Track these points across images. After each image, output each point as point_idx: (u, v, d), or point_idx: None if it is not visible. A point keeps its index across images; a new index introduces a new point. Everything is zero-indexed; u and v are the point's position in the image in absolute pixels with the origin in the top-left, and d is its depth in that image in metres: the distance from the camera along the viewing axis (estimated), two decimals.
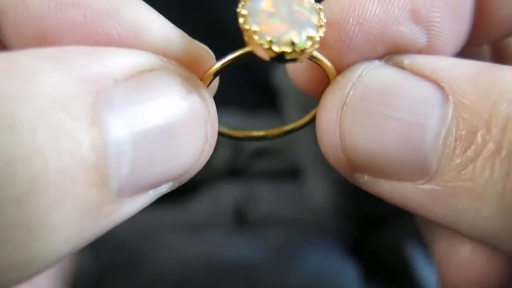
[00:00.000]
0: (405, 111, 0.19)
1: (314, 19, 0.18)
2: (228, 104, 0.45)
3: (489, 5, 0.21)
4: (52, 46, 0.16)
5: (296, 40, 0.17)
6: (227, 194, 0.47)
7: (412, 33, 0.20)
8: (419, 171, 0.19)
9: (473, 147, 0.18)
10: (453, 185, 0.18)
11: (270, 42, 0.17)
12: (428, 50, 0.21)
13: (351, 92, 0.19)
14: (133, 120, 0.16)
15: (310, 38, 0.17)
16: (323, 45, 0.19)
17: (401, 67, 0.20)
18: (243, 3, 0.18)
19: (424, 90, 0.19)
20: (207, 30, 0.53)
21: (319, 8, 0.18)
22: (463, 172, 0.18)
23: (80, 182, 0.15)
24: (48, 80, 0.15)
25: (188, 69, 0.19)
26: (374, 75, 0.20)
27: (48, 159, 0.14)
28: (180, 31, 0.20)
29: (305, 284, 0.43)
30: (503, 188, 0.17)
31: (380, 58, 0.21)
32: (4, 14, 0.19)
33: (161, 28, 0.19)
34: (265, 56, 0.17)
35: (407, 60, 0.20)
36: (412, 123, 0.19)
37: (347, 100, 0.20)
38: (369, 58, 0.21)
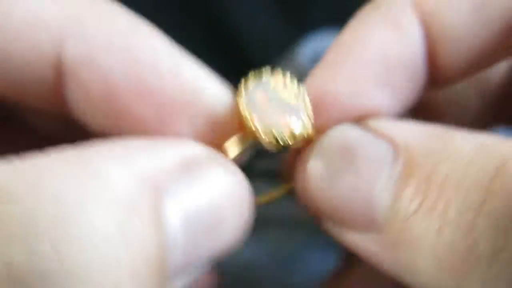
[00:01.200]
0: (359, 166, 0.21)
1: (302, 111, 0.21)
2: None
3: (440, 57, 0.24)
4: (116, 142, 0.18)
5: (296, 133, 0.21)
6: None
7: (378, 99, 0.23)
8: (370, 222, 0.20)
9: (414, 202, 0.19)
10: (396, 237, 0.19)
11: (275, 138, 0.20)
12: (393, 107, 0.24)
13: (315, 148, 0.22)
14: (187, 211, 0.18)
15: (304, 130, 0.21)
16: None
17: (364, 127, 0.22)
18: (241, 93, 0.20)
19: (379, 148, 0.21)
20: (207, 30, 0.53)
21: (305, 94, 0.22)
22: (404, 225, 0.19)
23: (143, 274, 0.16)
24: (119, 185, 0.16)
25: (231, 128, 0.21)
26: (337, 133, 0.22)
27: (123, 266, 0.16)
28: (229, 91, 0.22)
29: (306, 284, 0.43)
30: (436, 242, 0.18)
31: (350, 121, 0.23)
32: (72, 71, 0.20)
33: (214, 90, 0.21)
34: (272, 148, 0.21)
35: (370, 121, 0.22)
36: (364, 177, 0.21)
37: (312, 155, 0.22)
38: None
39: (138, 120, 0.21)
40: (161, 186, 0.17)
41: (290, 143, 0.21)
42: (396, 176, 0.20)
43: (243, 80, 0.21)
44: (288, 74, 0.22)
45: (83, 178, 0.16)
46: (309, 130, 0.21)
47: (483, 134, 0.20)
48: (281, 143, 0.20)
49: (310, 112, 0.22)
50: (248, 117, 0.20)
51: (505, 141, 0.19)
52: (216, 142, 0.21)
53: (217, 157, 0.20)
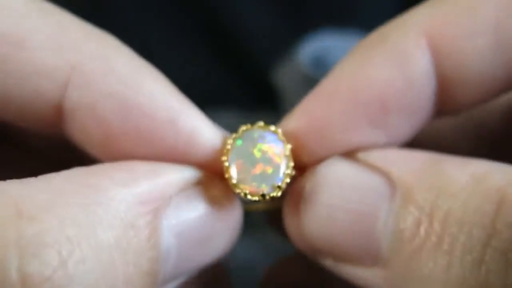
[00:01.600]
0: (356, 202, 0.21)
1: (282, 167, 0.22)
2: (228, 103, 0.46)
3: (450, 95, 0.22)
4: (122, 165, 0.20)
5: (265, 192, 0.21)
6: None
7: (371, 136, 0.22)
8: (373, 257, 0.20)
9: (417, 239, 0.19)
10: (403, 272, 0.19)
11: (245, 194, 0.21)
12: (388, 142, 0.23)
13: (308, 186, 0.22)
14: (180, 228, 0.20)
15: (277, 188, 0.21)
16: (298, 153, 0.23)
17: (356, 161, 0.22)
18: (225, 156, 0.22)
19: (374, 183, 0.21)
20: (207, 30, 0.53)
21: (289, 155, 0.22)
22: (410, 262, 0.19)
23: (136, 285, 0.18)
24: (122, 206, 0.18)
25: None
26: (329, 169, 0.22)
27: (118, 273, 0.18)
28: (226, 135, 0.22)
29: None
30: (446, 279, 0.18)
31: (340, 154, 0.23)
32: (72, 115, 0.21)
33: (210, 135, 0.22)
34: (245, 199, 0.22)
35: (361, 154, 0.22)
36: (363, 213, 0.20)
37: (305, 193, 0.22)
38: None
39: (134, 156, 0.22)
40: (159, 207, 0.19)
41: (258, 200, 0.22)
42: (395, 211, 0.20)
43: (233, 134, 0.22)
44: (278, 129, 0.22)
45: (91, 200, 0.18)
46: (279, 192, 0.22)
47: (474, 161, 0.20)
48: (249, 198, 0.21)
49: (290, 171, 0.22)
50: (227, 173, 0.22)
51: (496, 169, 0.19)
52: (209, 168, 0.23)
53: (211, 181, 0.22)
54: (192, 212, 0.21)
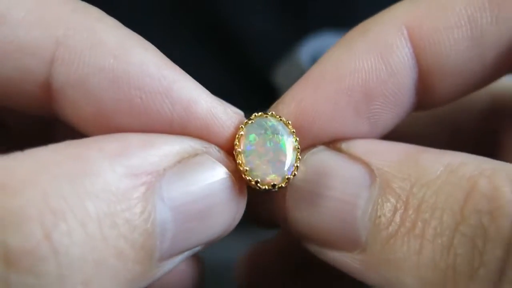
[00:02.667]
0: (338, 190, 0.22)
1: (292, 158, 0.22)
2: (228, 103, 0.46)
3: (430, 85, 0.23)
4: (113, 137, 0.19)
5: (276, 183, 0.21)
6: None
7: (355, 124, 0.23)
8: (352, 243, 0.21)
9: (393, 224, 0.20)
10: (380, 256, 0.20)
11: (256, 182, 0.21)
12: (372, 131, 0.24)
13: (294, 174, 0.22)
14: (176, 202, 0.19)
15: (286, 179, 0.22)
16: None
17: (339, 151, 0.23)
18: (237, 141, 0.21)
19: (355, 172, 0.22)
20: (208, 30, 0.53)
21: (298, 148, 0.22)
22: (386, 246, 0.20)
23: (129, 260, 0.18)
24: (113, 178, 0.18)
25: (227, 135, 0.22)
26: (314, 159, 0.23)
27: (108, 247, 0.17)
28: (223, 104, 0.22)
29: None
30: (418, 261, 0.19)
31: (326, 143, 0.24)
32: (62, 92, 0.20)
33: (207, 104, 0.21)
34: (255, 187, 0.22)
35: (344, 144, 0.23)
36: (344, 201, 0.21)
37: (290, 182, 0.22)
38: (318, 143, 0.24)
39: (129, 132, 0.21)
40: (152, 180, 0.19)
41: (270, 188, 0.22)
42: (373, 199, 0.21)
43: (245, 121, 0.22)
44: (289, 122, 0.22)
45: (78, 171, 0.17)
46: (287, 183, 0.22)
47: (450, 153, 0.21)
48: (260, 187, 0.21)
49: (298, 163, 0.22)
50: (239, 159, 0.21)
51: (470, 160, 0.20)
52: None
53: (210, 151, 0.21)
54: (189, 184, 0.20)
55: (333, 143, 0.23)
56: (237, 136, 0.21)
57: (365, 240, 0.21)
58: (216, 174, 0.20)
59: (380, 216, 0.20)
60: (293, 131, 0.22)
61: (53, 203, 0.16)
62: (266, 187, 0.21)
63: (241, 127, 0.21)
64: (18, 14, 0.19)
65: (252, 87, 0.51)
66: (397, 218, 0.20)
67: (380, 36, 0.22)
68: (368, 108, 0.23)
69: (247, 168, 0.21)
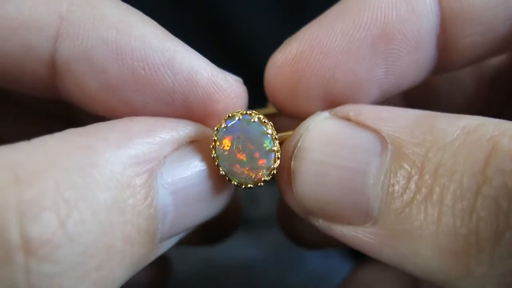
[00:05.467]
0: (347, 159, 0.20)
1: (269, 162, 0.21)
2: None
3: (452, 35, 0.23)
4: (116, 125, 0.20)
5: (251, 186, 0.22)
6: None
7: (372, 65, 0.22)
8: (363, 215, 0.20)
9: (408, 192, 0.19)
10: (393, 228, 0.19)
11: (239, 183, 0.21)
12: (388, 80, 0.23)
13: (299, 144, 0.21)
14: (176, 187, 0.20)
15: (262, 180, 0.21)
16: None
17: (346, 118, 0.21)
18: (214, 147, 0.21)
19: (365, 140, 0.20)
20: (207, 30, 0.53)
21: (278, 150, 0.21)
22: (401, 216, 0.19)
23: (135, 243, 0.19)
24: (118, 167, 0.18)
25: (228, 103, 0.22)
26: (319, 127, 0.22)
27: (117, 232, 0.18)
28: (224, 73, 0.22)
29: (304, 283, 0.43)
30: (436, 230, 0.18)
31: (330, 108, 0.22)
32: (67, 67, 0.21)
33: (208, 73, 0.21)
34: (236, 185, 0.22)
35: (352, 112, 0.21)
36: (354, 170, 0.20)
37: (296, 152, 0.21)
38: (325, 101, 0.23)
39: (134, 107, 0.21)
40: (154, 167, 0.19)
41: (251, 187, 0.22)
42: (385, 167, 0.19)
43: (224, 118, 0.22)
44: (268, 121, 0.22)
45: (85, 163, 0.18)
46: (269, 176, 0.22)
47: (467, 116, 0.19)
48: (243, 187, 0.22)
49: (278, 155, 0.21)
50: (221, 172, 0.21)
51: (488, 122, 0.19)
52: (209, 119, 0.22)
53: (207, 136, 0.22)
54: (188, 170, 0.21)
55: (339, 110, 0.22)
56: (213, 138, 0.21)
57: (378, 211, 0.19)
58: (210, 160, 0.21)
59: (393, 184, 0.19)
60: (264, 121, 0.21)
61: (66, 193, 0.17)
62: (243, 187, 0.22)
63: (216, 130, 0.21)
64: None
65: (251, 86, 0.51)
66: (412, 185, 0.19)
67: None
68: (386, 46, 0.22)
69: (223, 173, 0.21)
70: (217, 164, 0.21)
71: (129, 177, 0.18)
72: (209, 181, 0.21)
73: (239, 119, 0.21)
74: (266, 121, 0.21)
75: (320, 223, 0.22)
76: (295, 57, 0.22)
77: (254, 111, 0.21)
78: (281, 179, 0.22)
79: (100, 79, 0.20)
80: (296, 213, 0.23)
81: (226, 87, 0.22)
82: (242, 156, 0.21)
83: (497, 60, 0.28)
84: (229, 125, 0.21)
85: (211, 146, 0.21)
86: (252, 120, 0.21)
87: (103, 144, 0.18)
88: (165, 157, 0.20)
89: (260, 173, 0.21)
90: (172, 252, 0.41)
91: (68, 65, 0.20)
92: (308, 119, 0.22)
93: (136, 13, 0.21)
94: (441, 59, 0.23)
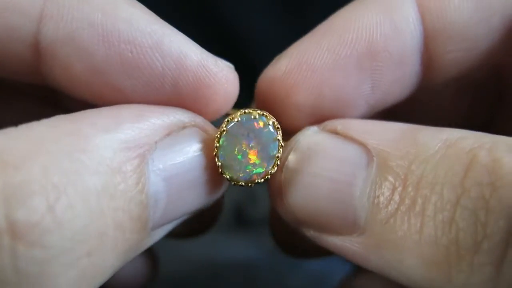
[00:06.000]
0: (335, 171, 0.21)
1: (273, 155, 0.22)
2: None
3: (435, 52, 0.23)
4: (105, 111, 0.19)
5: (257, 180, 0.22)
6: (228, 195, 0.47)
7: (358, 81, 0.23)
8: (351, 225, 0.21)
9: (392, 203, 0.19)
10: (379, 237, 0.20)
11: (230, 178, 0.22)
12: (374, 95, 0.23)
13: (290, 156, 0.22)
14: (168, 173, 0.20)
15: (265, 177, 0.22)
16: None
17: (335, 132, 0.22)
18: (216, 149, 0.21)
19: (352, 153, 0.21)
20: (207, 30, 0.53)
21: (280, 145, 0.22)
22: (386, 226, 0.20)
23: (127, 231, 0.18)
24: (108, 152, 0.18)
25: (219, 88, 0.22)
26: (309, 140, 0.22)
27: (107, 218, 0.17)
28: (214, 57, 0.22)
29: (304, 283, 0.43)
30: (419, 240, 0.19)
31: (318, 123, 0.23)
32: (52, 50, 0.20)
33: (197, 56, 0.21)
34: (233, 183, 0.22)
35: (340, 125, 0.22)
36: (342, 181, 0.21)
37: (286, 164, 0.22)
38: (313, 116, 0.23)
39: (122, 92, 0.21)
40: (145, 152, 0.19)
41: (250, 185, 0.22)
42: (371, 179, 0.20)
43: (227, 117, 0.22)
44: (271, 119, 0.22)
45: (74, 147, 0.17)
46: (262, 179, 0.22)
47: (448, 129, 0.20)
48: (233, 183, 0.22)
49: (278, 162, 0.22)
50: (218, 162, 0.21)
51: (468, 135, 0.19)
52: (200, 106, 0.22)
53: (197, 123, 0.21)
54: (180, 156, 0.20)
55: (327, 124, 0.23)
56: (216, 138, 0.21)
57: (364, 221, 0.20)
58: (202, 147, 0.21)
59: (378, 196, 0.20)
60: (278, 127, 0.22)
61: (54, 178, 0.16)
62: (243, 184, 0.22)
63: (227, 121, 0.21)
64: None
65: (251, 86, 0.51)
66: (396, 197, 0.19)
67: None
68: (371, 63, 0.23)
69: (219, 164, 0.21)
70: (215, 154, 0.21)
71: (120, 162, 0.18)
72: (203, 168, 0.21)
73: (254, 117, 0.21)
74: (279, 127, 0.22)
75: (311, 233, 0.22)
76: (284, 74, 0.23)
77: (269, 115, 0.22)
78: (273, 190, 0.23)
79: (86, 62, 0.20)
80: (287, 223, 0.23)
81: (216, 71, 0.21)
82: (244, 154, 0.21)
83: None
84: (243, 120, 0.21)
85: (216, 135, 0.21)
86: (267, 122, 0.21)
87: (92, 129, 0.18)
88: (156, 142, 0.19)
89: (255, 175, 0.21)
90: (172, 252, 0.41)
91: (52, 48, 0.20)
92: (298, 134, 0.23)
93: None
94: (425, 75, 0.24)
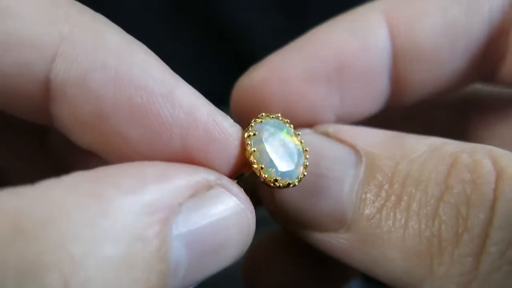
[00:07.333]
0: (325, 168, 0.22)
1: (301, 161, 0.22)
2: (228, 104, 0.46)
3: (403, 71, 0.25)
4: (129, 170, 0.18)
5: (291, 181, 0.21)
6: None
7: (327, 94, 0.24)
8: (338, 221, 0.22)
9: (379, 199, 0.21)
10: (365, 232, 0.21)
11: (275, 180, 0.21)
12: (342, 108, 0.25)
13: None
14: (191, 238, 0.18)
15: (299, 179, 0.21)
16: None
17: (326, 134, 0.24)
18: (249, 140, 0.21)
19: (342, 153, 0.22)
20: (207, 30, 0.53)
21: (305, 150, 0.22)
22: (372, 221, 0.21)
23: None
24: (130, 217, 0.17)
25: (229, 143, 0.21)
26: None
27: (123, 286, 0.16)
28: (223, 113, 0.21)
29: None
30: (403, 233, 0.20)
31: (310, 127, 0.25)
32: (62, 89, 0.20)
33: (208, 110, 0.20)
34: (271, 185, 0.21)
35: (331, 128, 0.24)
36: (332, 178, 0.22)
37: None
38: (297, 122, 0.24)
39: (129, 140, 0.20)
40: (168, 215, 0.18)
41: (281, 187, 0.21)
42: (360, 177, 0.21)
43: (254, 119, 0.22)
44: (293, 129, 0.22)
45: (95, 212, 0.16)
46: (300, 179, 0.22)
47: (431, 137, 0.22)
48: (276, 185, 0.21)
49: (306, 162, 0.22)
50: (253, 159, 0.21)
51: (450, 141, 0.21)
52: (212, 161, 0.21)
53: (223, 183, 0.20)
54: (204, 219, 0.19)
55: (319, 127, 0.24)
56: (246, 136, 0.21)
57: (351, 217, 0.21)
58: (230, 207, 0.20)
59: (366, 192, 0.21)
60: (297, 133, 0.22)
61: (72, 248, 0.15)
62: (281, 185, 0.21)
63: (249, 128, 0.21)
64: (25, 7, 0.19)
65: None
66: (383, 193, 0.20)
67: (359, 18, 0.24)
68: (339, 77, 0.24)
69: (262, 166, 0.21)
70: (254, 161, 0.21)
71: (142, 228, 0.17)
72: (229, 230, 0.20)
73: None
74: (296, 133, 0.22)
75: (298, 230, 0.23)
76: (257, 83, 0.24)
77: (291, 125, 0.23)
78: (263, 187, 0.23)
79: (95, 104, 0.19)
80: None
81: (227, 125, 0.21)
82: (278, 149, 0.21)
83: (447, 105, 0.31)
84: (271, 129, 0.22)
85: (246, 142, 0.21)
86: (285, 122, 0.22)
87: (115, 191, 0.17)
88: (180, 204, 0.18)
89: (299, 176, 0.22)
90: None
91: (63, 87, 0.19)
92: None
93: (138, 44, 0.21)
94: (394, 92, 0.25)
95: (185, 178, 0.19)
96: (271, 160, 0.21)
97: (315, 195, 0.22)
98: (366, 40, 0.24)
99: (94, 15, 0.20)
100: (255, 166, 0.21)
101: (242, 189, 0.21)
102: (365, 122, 0.26)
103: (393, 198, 0.20)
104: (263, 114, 0.22)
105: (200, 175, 0.20)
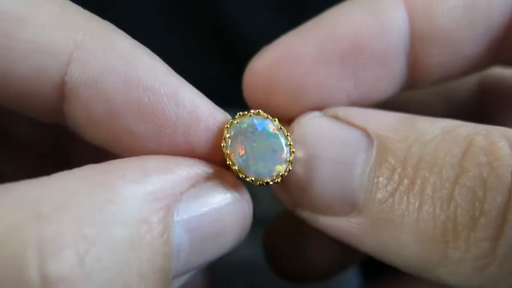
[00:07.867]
0: (336, 153, 0.22)
1: (285, 157, 0.22)
2: (229, 103, 0.46)
3: (421, 53, 0.25)
4: (133, 162, 0.20)
5: (269, 179, 0.22)
6: None
7: (341, 75, 0.24)
8: (349, 205, 0.22)
9: (391, 183, 0.21)
10: (377, 216, 0.21)
11: (252, 180, 0.22)
12: (357, 91, 0.24)
13: (291, 138, 0.23)
14: (192, 224, 0.20)
15: (280, 175, 0.22)
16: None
17: (336, 117, 0.23)
18: (224, 143, 0.22)
19: (353, 136, 0.22)
20: (207, 30, 0.54)
21: (290, 144, 0.22)
22: (384, 205, 0.21)
23: (149, 282, 0.19)
24: (136, 204, 0.19)
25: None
26: (311, 123, 0.24)
27: (132, 270, 0.18)
28: (223, 111, 0.23)
29: (304, 284, 0.43)
30: (417, 217, 0.20)
31: (320, 109, 0.24)
32: (76, 92, 0.22)
33: (209, 109, 0.22)
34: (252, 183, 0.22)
35: (341, 111, 0.24)
36: (342, 163, 0.22)
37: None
38: (297, 107, 0.24)
39: (137, 137, 0.22)
40: (170, 203, 0.20)
41: (261, 185, 0.22)
42: (371, 161, 0.21)
43: (230, 120, 0.23)
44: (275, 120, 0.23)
45: (104, 199, 0.18)
46: (284, 174, 0.22)
47: (445, 119, 0.21)
48: (256, 184, 0.22)
49: (291, 156, 0.22)
50: (229, 159, 0.22)
51: (464, 124, 0.21)
52: (211, 155, 0.23)
53: (222, 175, 0.22)
54: (203, 207, 0.21)
55: (329, 110, 0.24)
56: (223, 138, 0.22)
57: (363, 201, 0.21)
58: (227, 197, 0.22)
59: (378, 176, 0.21)
60: (280, 127, 0.23)
61: (85, 230, 0.17)
62: (259, 183, 0.22)
63: (226, 127, 0.22)
64: (41, 17, 0.21)
65: None
66: (396, 177, 0.20)
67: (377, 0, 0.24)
68: (355, 59, 0.24)
69: (236, 168, 0.22)
70: (226, 151, 0.22)
71: (146, 214, 0.19)
72: (226, 218, 0.22)
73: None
74: (282, 127, 0.23)
75: (307, 214, 0.23)
76: (269, 64, 0.24)
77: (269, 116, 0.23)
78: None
79: (106, 105, 0.21)
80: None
81: (226, 121, 0.23)
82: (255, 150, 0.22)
83: (466, 87, 0.31)
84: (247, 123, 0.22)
85: (222, 144, 0.22)
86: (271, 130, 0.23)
87: (122, 180, 0.19)
88: (181, 193, 0.20)
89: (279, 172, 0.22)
90: None
91: (77, 89, 0.22)
92: (299, 117, 0.24)
93: (144, 48, 0.23)
94: (411, 75, 0.25)
95: (186, 170, 0.21)
96: (245, 160, 0.22)
97: (326, 180, 0.22)
98: (384, 21, 0.24)
99: (103, 22, 0.22)
100: (233, 167, 0.22)
101: (239, 181, 0.22)
102: (378, 106, 0.26)
103: (406, 181, 0.20)
104: (240, 113, 0.23)
105: (200, 168, 0.22)
